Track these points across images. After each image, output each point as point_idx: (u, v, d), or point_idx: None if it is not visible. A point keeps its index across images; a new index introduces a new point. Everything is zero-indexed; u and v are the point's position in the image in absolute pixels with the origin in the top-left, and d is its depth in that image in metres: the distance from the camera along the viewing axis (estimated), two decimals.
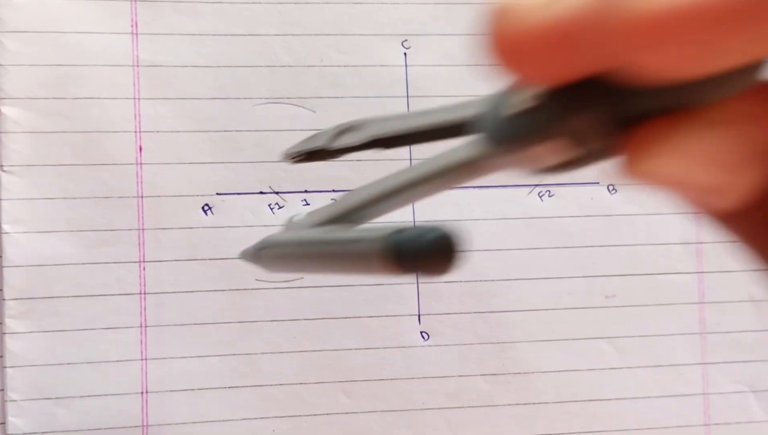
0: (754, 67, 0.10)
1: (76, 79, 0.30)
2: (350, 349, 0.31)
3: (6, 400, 0.29)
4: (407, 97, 0.31)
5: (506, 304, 0.31)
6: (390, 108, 0.31)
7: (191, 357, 0.30)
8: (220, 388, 0.30)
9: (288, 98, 0.31)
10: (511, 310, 0.31)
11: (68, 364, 0.29)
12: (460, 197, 0.31)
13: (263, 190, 0.31)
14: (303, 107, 0.31)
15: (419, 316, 0.31)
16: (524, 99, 0.11)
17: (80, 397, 0.29)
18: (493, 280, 0.31)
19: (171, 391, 0.30)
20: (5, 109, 0.29)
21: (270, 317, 0.30)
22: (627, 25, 0.09)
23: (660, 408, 0.32)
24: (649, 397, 0.32)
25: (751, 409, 0.32)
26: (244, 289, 0.30)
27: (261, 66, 0.31)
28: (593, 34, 0.09)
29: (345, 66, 0.31)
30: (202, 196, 0.30)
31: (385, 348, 0.31)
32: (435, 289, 0.31)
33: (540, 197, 0.32)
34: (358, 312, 0.31)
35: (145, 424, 0.30)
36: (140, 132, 0.30)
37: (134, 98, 0.30)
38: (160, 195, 0.30)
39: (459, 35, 0.32)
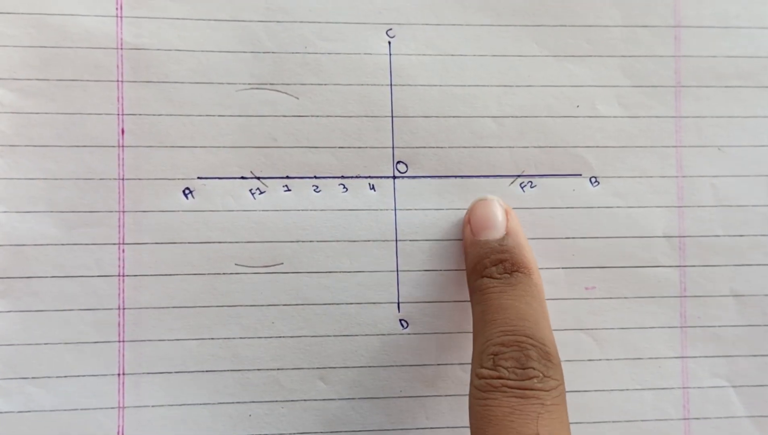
0: None
1: (60, 61, 0.30)
2: (328, 336, 0.31)
3: None
4: (390, 85, 0.31)
5: None
6: (373, 97, 0.31)
7: (169, 340, 0.30)
8: (197, 371, 0.30)
9: (271, 84, 0.31)
10: None
11: (45, 344, 0.29)
12: (441, 186, 0.31)
13: (245, 175, 0.31)
14: (286, 93, 0.31)
15: (399, 303, 0.31)
16: None
17: (57, 377, 0.29)
18: None
19: (148, 373, 0.30)
20: None
21: (249, 302, 0.30)
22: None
23: (638, 401, 0.32)
24: (627, 389, 0.32)
25: (732, 403, 0.32)
26: (223, 274, 0.30)
27: (244, 51, 0.31)
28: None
29: (329, 53, 0.31)
30: (183, 179, 0.30)
31: (363, 335, 0.31)
32: (415, 277, 0.31)
33: (522, 188, 0.32)
34: (337, 298, 0.31)
35: (121, 405, 0.30)
36: (123, 115, 0.30)
37: (117, 81, 0.30)
38: (141, 178, 0.30)
39: (443, 25, 0.32)
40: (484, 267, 0.27)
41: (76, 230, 0.30)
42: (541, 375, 0.24)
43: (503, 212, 0.28)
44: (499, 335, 0.25)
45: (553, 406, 0.24)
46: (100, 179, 0.30)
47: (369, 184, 0.31)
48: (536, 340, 0.25)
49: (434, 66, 0.32)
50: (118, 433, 0.30)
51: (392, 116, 0.31)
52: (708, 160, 0.33)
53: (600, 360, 0.32)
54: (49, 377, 0.29)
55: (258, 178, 0.31)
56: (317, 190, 0.31)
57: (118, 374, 0.30)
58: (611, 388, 0.32)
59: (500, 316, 0.26)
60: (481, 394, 0.24)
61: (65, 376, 0.29)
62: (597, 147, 0.32)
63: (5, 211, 0.29)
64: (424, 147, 0.31)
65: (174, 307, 0.30)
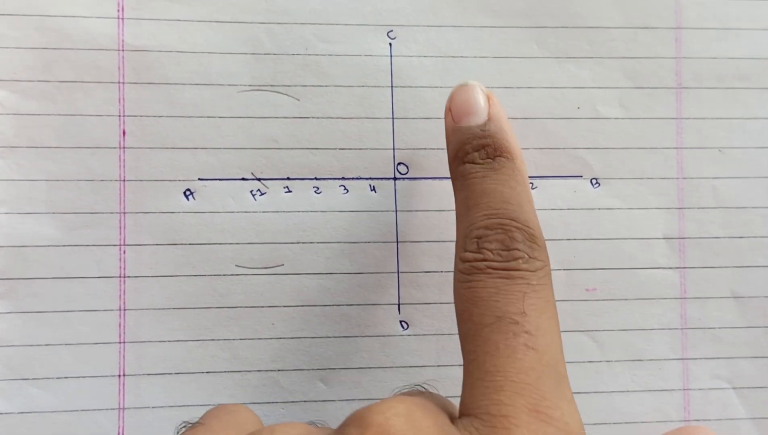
0: None
1: (61, 63, 0.30)
2: (328, 337, 0.31)
3: None
4: (391, 87, 0.31)
5: None
6: (374, 98, 0.31)
7: (169, 341, 0.30)
8: (197, 372, 0.30)
9: (272, 86, 0.31)
10: None
11: (46, 345, 0.29)
12: (441, 188, 0.31)
13: (245, 177, 0.31)
14: (287, 95, 0.31)
15: (399, 305, 0.31)
16: None
17: (57, 378, 0.29)
18: None
19: (148, 374, 0.30)
20: None
21: (249, 303, 0.30)
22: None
23: (639, 402, 0.32)
24: (628, 391, 0.32)
25: (733, 405, 0.32)
26: (224, 275, 0.30)
27: (245, 53, 0.31)
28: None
29: (329, 55, 0.31)
30: (184, 181, 0.30)
31: (363, 336, 0.31)
32: (415, 278, 0.31)
33: None
34: (337, 300, 0.31)
35: (121, 406, 0.30)
36: (124, 116, 0.30)
37: (119, 82, 0.30)
38: (142, 179, 0.30)
39: (444, 27, 0.32)
40: (466, 153, 0.26)
41: (77, 231, 0.30)
42: (526, 256, 0.24)
43: (485, 97, 0.27)
44: (483, 219, 0.24)
45: (540, 286, 0.23)
46: (101, 180, 0.30)
47: (370, 185, 0.31)
48: (521, 223, 0.24)
49: (435, 67, 0.32)
50: (119, 434, 0.30)
51: (393, 118, 0.31)
52: (709, 161, 0.33)
53: (600, 361, 0.32)
54: (49, 378, 0.29)
55: (259, 180, 0.31)
56: (318, 191, 0.31)
57: (119, 375, 0.30)
58: (612, 390, 0.32)
59: (483, 200, 0.25)
60: (465, 277, 0.23)
61: (65, 377, 0.29)
62: (598, 148, 0.32)
63: (6, 213, 0.29)
64: (425, 148, 0.31)
65: (174, 309, 0.30)
